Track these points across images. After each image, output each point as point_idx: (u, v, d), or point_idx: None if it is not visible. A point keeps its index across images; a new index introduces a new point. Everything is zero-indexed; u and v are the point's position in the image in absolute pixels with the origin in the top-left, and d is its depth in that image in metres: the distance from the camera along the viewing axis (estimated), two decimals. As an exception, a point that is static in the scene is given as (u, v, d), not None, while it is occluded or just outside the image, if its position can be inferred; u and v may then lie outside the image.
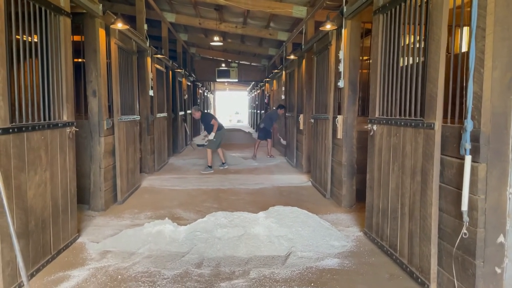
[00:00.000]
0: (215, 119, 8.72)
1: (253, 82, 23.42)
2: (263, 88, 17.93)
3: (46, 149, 3.37)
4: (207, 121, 8.65)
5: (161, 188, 6.65)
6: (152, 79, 8.04)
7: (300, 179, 7.50)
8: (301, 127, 8.20)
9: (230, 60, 17.88)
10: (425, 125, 2.94)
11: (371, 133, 3.99)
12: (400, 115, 3.41)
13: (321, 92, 6.38)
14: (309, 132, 8.07)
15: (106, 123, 5.10)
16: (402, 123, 3.30)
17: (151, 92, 7.95)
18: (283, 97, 10.96)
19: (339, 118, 5.33)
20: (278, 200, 5.75)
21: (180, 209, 5.25)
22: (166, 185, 6.93)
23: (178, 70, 11.54)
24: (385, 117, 3.71)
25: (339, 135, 5.35)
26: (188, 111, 14.13)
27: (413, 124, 3.13)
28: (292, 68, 9.44)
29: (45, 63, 3.44)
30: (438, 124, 2.82)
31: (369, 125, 4.01)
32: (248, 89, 29.95)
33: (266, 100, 16.25)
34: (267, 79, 14.54)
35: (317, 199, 5.91)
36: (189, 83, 15.08)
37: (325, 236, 3.88)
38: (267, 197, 6.00)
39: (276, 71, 11.82)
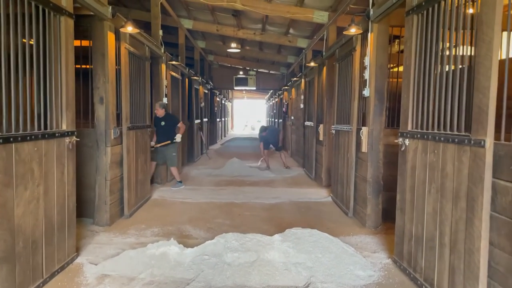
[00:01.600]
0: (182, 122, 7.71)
1: (271, 91, 23.09)
2: (281, 96, 17.56)
3: (40, 161, 3.05)
4: (173, 123, 7.39)
5: (172, 201, 6.30)
6: (166, 87, 7.77)
7: (319, 194, 7.04)
8: (321, 137, 7.76)
9: (248, 68, 17.61)
10: (472, 142, 2.49)
11: (403, 148, 3.54)
12: (439, 128, 2.96)
13: (343, 101, 5.95)
14: (330, 144, 7.63)
15: (113, 132, 4.80)
16: (442, 139, 2.85)
17: (165, 100, 7.67)
18: (301, 106, 10.56)
19: (364, 130, 4.88)
20: (296, 218, 5.32)
21: (189, 226, 4.88)
22: (177, 197, 6.58)
23: (195, 78, 11.28)
24: (420, 130, 3.26)
25: (364, 148, 4.89)
26: (205, 119, 13.86)
27: (456, 140, 2.67)
28: (311, 76, 9.04)
29: (42, 67, 3.14)
30: (489, 141, 2.37)
31: (400, 139, 3.57)
32: (266, 97, 29.64)
33: (284, 109, 15.87)
34: (286, 87, 14.17)
35: (338, 217, 5.44)
36: (206, 91, 14.84)
37: (349, 264, 3.43)
38: (284, 214, 5.57)
39: (295, 79, 11.43)
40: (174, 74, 8.61)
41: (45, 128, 3.18)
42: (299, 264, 3.35)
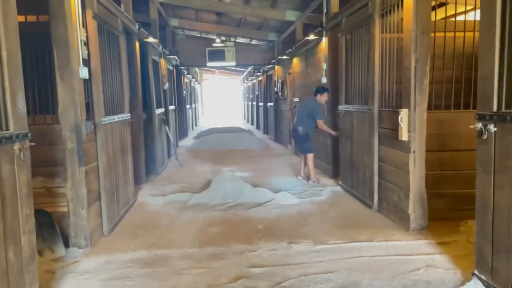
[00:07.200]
0: None
1: (249, 68, 18.99)
2: (269, 73, 13.59)
3: None
4: None
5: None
6: (85, 44, 3.68)
7: (422, 261, 3.27)
8: (403, 136, 3.96)
9: (223, 39, 13.50)
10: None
11: None
12: None
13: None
14: (422, 146, 3.91)
15: None
16: None
17: (83, 72, 3.60)
18: (324, 80, 6.71)
19: None
20: None
21: None
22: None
23: (151, 41, 7.12)
24: None
25: None
26: (171, 107, 9.70)
27: None
28: (351, 29, 5.14)
29: None
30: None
31: None
32: (241, 77, 25.37)
33: (276, 89, 11.95)
34: (285, 57, 10.14)
35: None
36: (170, 67, 10.68)
37: None
38: None
39: (310, 37, 7.38)
40: (106, 22, 4.49)
41: None
42: None
